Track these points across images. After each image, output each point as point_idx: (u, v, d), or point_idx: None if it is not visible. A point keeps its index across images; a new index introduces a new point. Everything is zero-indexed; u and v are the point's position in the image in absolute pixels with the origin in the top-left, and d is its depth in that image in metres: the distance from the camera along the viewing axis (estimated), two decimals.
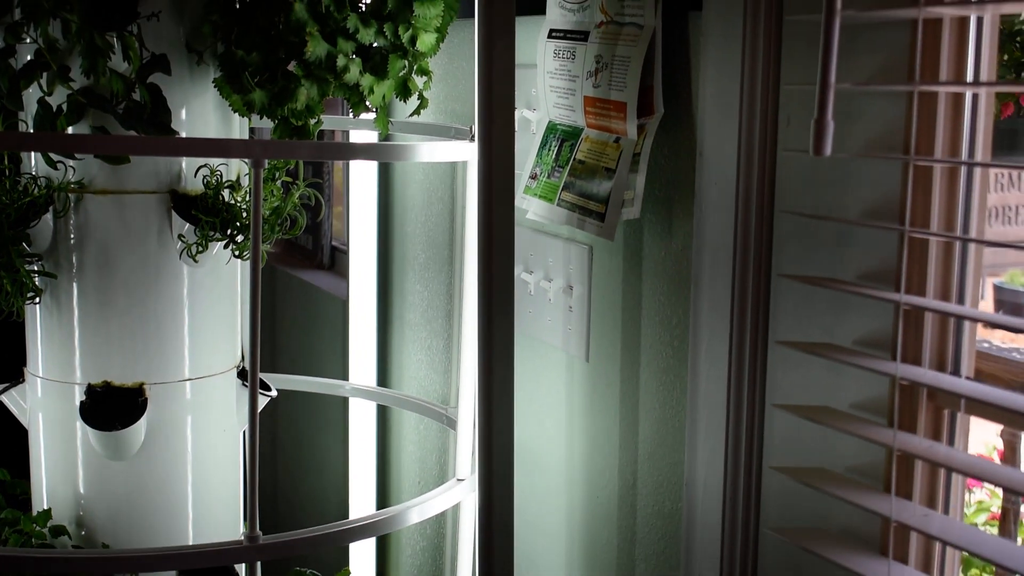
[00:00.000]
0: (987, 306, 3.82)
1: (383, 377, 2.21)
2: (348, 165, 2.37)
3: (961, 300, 1.13)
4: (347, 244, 2.27)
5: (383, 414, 2.24)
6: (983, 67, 1.09)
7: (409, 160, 1.82)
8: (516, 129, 1.48)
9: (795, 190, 1.22)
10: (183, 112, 1.55)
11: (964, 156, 1.10)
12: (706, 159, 1.33)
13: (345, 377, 2.24)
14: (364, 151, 1.62)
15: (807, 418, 1.18)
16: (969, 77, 1.09)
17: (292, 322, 2.68)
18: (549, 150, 1.56)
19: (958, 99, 1.10)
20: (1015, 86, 1.29)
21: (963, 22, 1.08)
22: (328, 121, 1.82)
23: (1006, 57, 1.40)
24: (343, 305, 2.31)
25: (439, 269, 1.99)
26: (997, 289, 2.53)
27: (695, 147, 1.36)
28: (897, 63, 1.10)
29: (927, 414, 1.14)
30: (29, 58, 1.47)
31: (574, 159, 1.51)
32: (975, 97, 1.09)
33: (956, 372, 1.13)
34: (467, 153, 1.50)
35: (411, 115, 1.60)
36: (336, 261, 2.69)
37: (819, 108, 1.04)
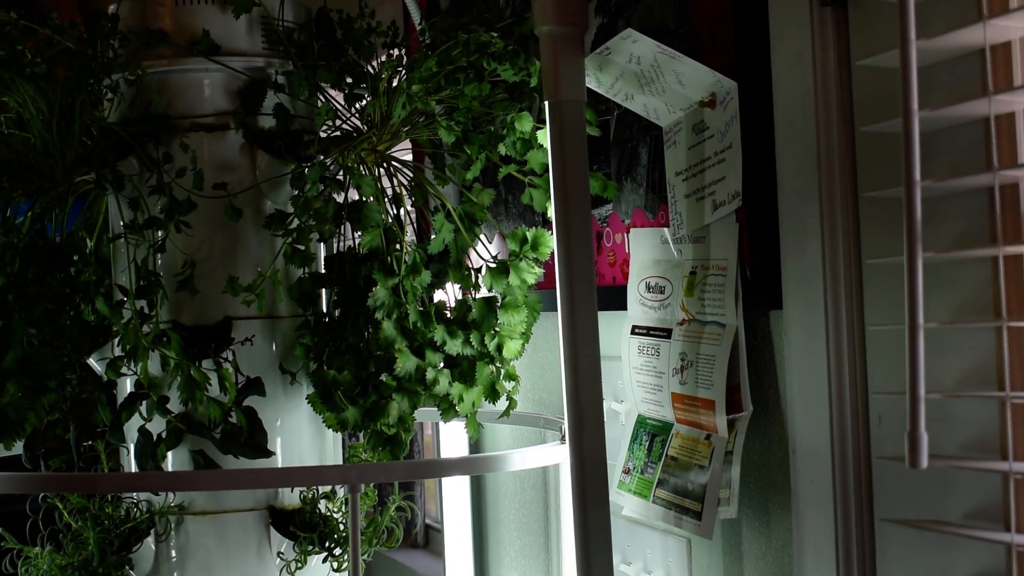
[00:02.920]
0: None
1: None
2: (439, 445, 2.39)
3: None
4: (441, 522, 2.27)
5: None
6: None
7: (502, 471, 1.83)
8: (605, 420, 1.49)
9: (894, 494, 1.21)
10: (277, 427, 1.58)
11: None
12: (799, 457, 1.32)
13: None
14: (457, 467, 1.64)
15: None
16: None
17: None
18: (640, 444, 1.57)
19: None
20: None
21: None
22: (419, 414, 1.85)
23: None
24: None
25: (536, 556, 1.98)
26: None
27: (787, 444, 1.35)
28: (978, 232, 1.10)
29: None
30: (129, 391, 1.52)
31: (666, 455, 1.51)
32: None
33: None
34: (559, 456, 1.50)
35: (500, 417, 1.62)
36: (430, 539, 2.68)
37: (911, 422, 1.04)
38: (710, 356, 1.42)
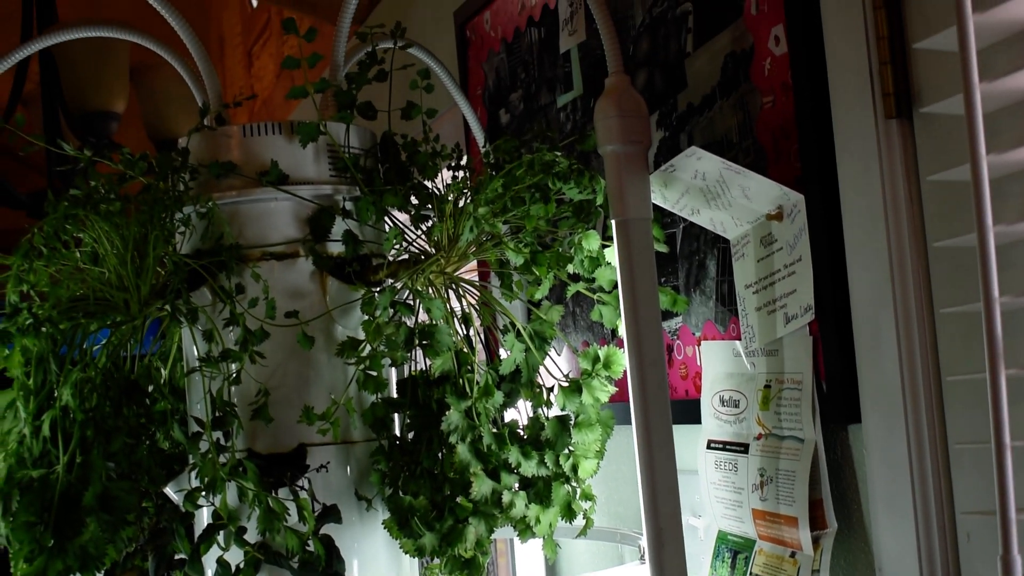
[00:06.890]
0: None
1: None
2: (514, 560, 2.36)
3: None
4: None
5: None
6: None
7: None
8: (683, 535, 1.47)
9: None
10: (353, 551, 1.57)
11: None
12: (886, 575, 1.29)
13: None
14: None
15: None
16: None
17: None
18: (723, 561, 1.54)
19: None
20: None
21: None
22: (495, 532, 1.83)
23: None
24: None
25: None
26: None
27: (873, 563, 1.32)
28: None
29: None
30: (207, 521, 1.52)
31: (751, 572, 1.48)
32: None
33: None
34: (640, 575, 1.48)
35: (577, 536, 1.60)
36: None
37: (1003, 544, 1.01)
38: (790, 472, 1.40)
